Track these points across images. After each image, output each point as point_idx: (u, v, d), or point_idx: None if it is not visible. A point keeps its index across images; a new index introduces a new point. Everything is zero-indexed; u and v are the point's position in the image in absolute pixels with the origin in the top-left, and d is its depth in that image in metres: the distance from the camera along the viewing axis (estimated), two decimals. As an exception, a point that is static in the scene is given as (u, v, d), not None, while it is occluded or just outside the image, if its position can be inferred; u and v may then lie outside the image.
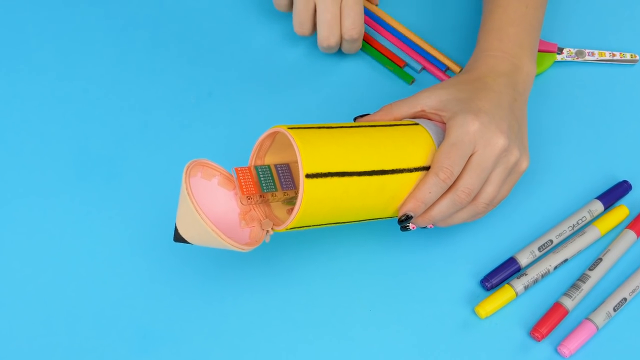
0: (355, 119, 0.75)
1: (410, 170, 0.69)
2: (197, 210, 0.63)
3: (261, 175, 0.69)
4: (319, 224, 0.68)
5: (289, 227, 0.66)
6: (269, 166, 0.70)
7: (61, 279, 0.76)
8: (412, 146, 0.70)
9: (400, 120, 0.74)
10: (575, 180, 0.82)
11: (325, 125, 0.68)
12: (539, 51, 0.88)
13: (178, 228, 0.66)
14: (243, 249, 0.65)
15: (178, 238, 0.67)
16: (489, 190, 0.71)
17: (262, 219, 0.69)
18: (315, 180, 0.64)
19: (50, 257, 0.77)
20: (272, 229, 0.68)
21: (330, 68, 0.89)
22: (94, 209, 0.79)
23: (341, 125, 0.69)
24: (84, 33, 0.90)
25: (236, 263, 0.77)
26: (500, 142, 0.70)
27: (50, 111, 0.85)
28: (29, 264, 0.77)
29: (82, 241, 0.78)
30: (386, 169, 0.68)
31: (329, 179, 0.65)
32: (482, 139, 0.70)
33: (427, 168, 0.70)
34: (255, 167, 0.69)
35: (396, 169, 0.68)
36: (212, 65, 0.88)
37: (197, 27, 0.91)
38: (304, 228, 0.68)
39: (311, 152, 0.64)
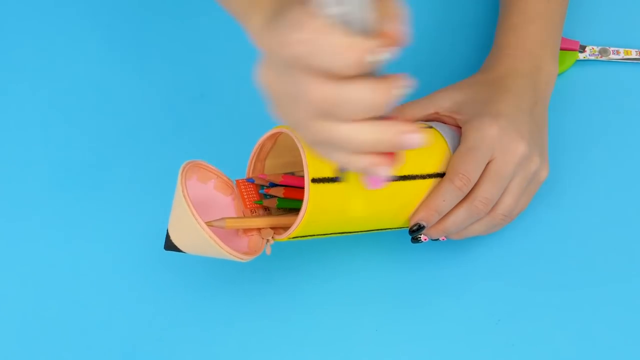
0: (364, 120, 0.74)
1: (423, 177, 0.67)
2: (193, 216, 0.62)
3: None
4: (323, 233, 0.66)
5: (291, 236, 0.65)
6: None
7: (42, 296, 0.75)
8: (425, 151, 0.68)
9: (413, 122, 0.71)
10: (600, 190, 0.80)
11: None
12: (560, 49, 0.85)
13: (170, 235, 0.65)
14: (242, 259, 0.64)
15: (169, 246, 0.65)
16: (508, 201, 0.70)
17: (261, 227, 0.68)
18: (321, 185, 0.62)
19: (30, 273, 0.76)
20: (272, 237, 0.67)
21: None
22: (77, 221, 0.78)
23: (349, 126, 0.67)
24: (67, 29, 0.89)
25: (232, 280, 0.76)
26: (520, 148, 0.69)
27: (29, 114, 0.84)
28: (7, 281, 0.76)
29: (64, 256, 0.77)
30: (397, 174, 0.65)
31: (336, 185, 0.63)
32: (501, 144, 0.68)
33: (441, 175, 0.68)
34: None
35: (408, 175, 0.66)
36: (204, 65, 0.87)
37: (188, 24, 0.90)
38: (307, 237, 0.66)
39: (318, 155, 0.61)
